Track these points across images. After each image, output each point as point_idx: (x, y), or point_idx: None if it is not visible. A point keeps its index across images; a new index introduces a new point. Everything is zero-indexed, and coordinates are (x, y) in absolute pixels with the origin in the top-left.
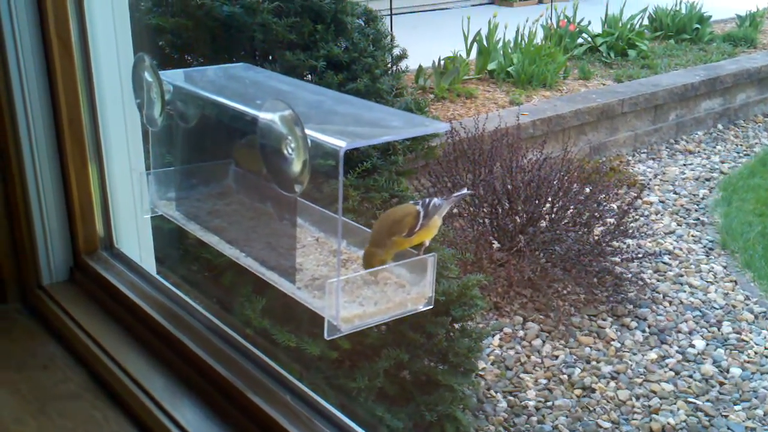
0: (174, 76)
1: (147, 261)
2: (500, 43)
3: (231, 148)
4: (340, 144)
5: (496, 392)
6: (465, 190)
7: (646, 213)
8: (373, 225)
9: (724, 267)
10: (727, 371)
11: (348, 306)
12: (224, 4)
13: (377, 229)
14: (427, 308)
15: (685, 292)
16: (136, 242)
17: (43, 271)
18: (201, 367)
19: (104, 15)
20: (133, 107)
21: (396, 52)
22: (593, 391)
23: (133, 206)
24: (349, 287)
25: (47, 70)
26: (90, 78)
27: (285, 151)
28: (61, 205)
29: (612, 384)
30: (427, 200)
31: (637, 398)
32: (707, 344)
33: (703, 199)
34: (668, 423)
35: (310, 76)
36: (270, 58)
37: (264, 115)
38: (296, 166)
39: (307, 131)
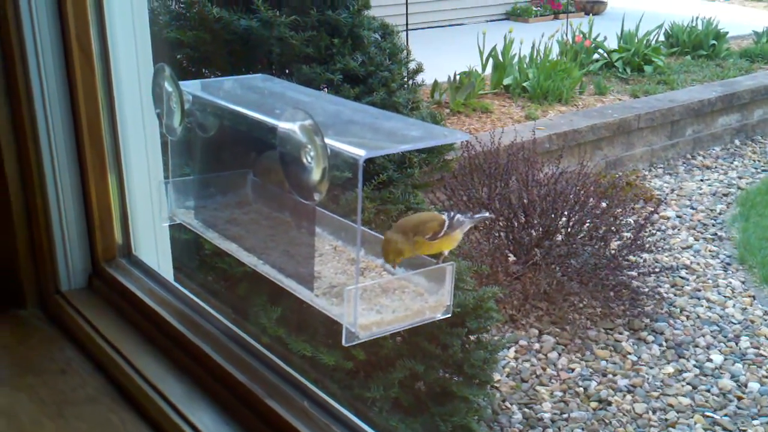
0: (193, 87)
1: (165, 268)
2: (516, 59)
3: (249, 157)
4: (360, 153)
5: (511, 404)
6: (486, 213)
7: (663, 228)
8: (399, 220)
9: (742, 282)
10: (746, 386)
11: (366, 313)
12: (242, 18)
13: (403, 222)
14: (445, 317)
15: (702, 306)
16: (154, 250)
17: (62, 277)
18: (218, 373)
19: (125, 25)
20: (153, 117)
21: (412, 66)
22: (609, 404)
23: (152, 214)
24: (367, 295)
25: (68, 79)
26: (110, 87)
27: (304, 160)
28: (81, 212)
29: (628, 397)
30: (453, 213)
31: (654, 412)
32: (725, 359)
33: (720, 214)
34: None
35: (326, 89)
36: (287, 71)
37: (284, 124)
38: (315, 175)
39: (327, 140)
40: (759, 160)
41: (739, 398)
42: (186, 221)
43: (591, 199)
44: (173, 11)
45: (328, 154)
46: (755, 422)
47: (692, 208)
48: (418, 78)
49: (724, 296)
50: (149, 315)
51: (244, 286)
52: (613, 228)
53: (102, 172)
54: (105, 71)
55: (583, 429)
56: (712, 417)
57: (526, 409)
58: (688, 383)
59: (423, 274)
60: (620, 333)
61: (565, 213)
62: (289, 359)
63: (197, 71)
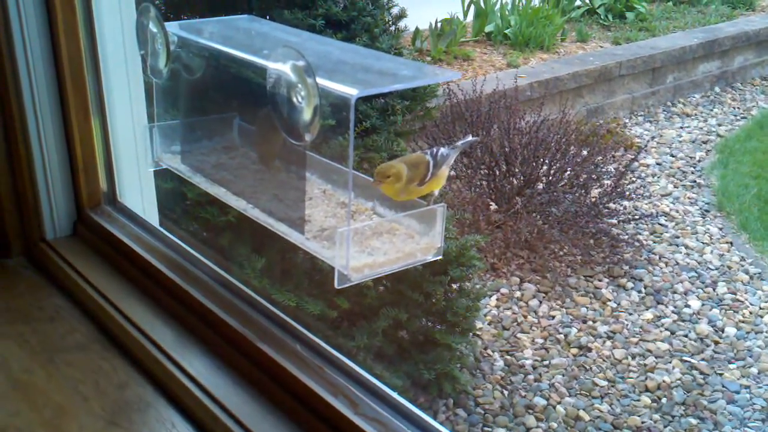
0: (178, 27)
1: (150, 214)
2: (497, 5)
3: (236, 100)
4: (352, 92)
5: (493, 351)
6: (470, 137)
7: (643, 175)
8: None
9: (720, 228)
10: (722, 331)
11: (358, 255)
12: None
13: (401, 166)
14: (436, 259)
15: (681, 253)
16: (139, 196)
17: (47, 225)
18: (209, 318)
19: None
20: (136, 60)
21: (395, 11)
22: (589, 350)
23: (136, 160)
24: (359, 237)
25: (49, 21)
26: (92, 29)
27: (295, 100)
28: (64, 159)
29: (608, 343)
30: (435, 150)
31: (633, 357)
32: (702, 304)
33: (699, 161)
34: (663, 381)
35: None
36: (267, 17)
37: (274, 64)
38: (306, 115)
39: (318, 80)
40: (738, 108)
41: (716, 343)
42: (172, 166)
43: (572, 147)
44: None
45: (320, 94)
46: (731, 366)
47: (672, 155)
48: (401, 24)
49: (702, 243)
50: (136, 261)
51: (228, 236)
52: (593, 176)
53: (85, 117)
54: (87, 12)
55: (563, 375)
56: (690, 361)
57: (507, 356)
58: (666, 329)
59: (414, 216)
60: (600, 280)
61: (547, 161)
62: (277, 306)
63: (176, 17)
